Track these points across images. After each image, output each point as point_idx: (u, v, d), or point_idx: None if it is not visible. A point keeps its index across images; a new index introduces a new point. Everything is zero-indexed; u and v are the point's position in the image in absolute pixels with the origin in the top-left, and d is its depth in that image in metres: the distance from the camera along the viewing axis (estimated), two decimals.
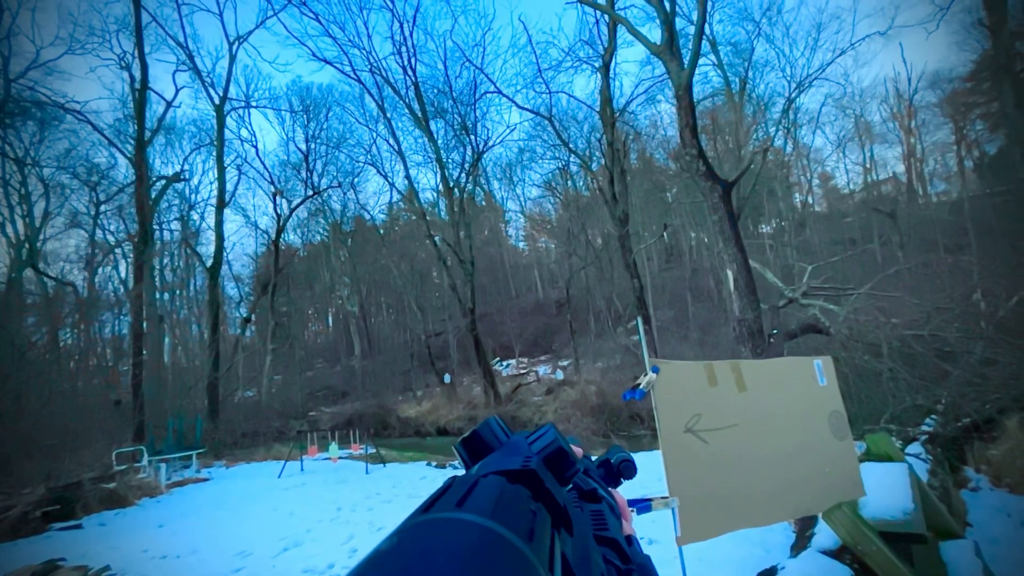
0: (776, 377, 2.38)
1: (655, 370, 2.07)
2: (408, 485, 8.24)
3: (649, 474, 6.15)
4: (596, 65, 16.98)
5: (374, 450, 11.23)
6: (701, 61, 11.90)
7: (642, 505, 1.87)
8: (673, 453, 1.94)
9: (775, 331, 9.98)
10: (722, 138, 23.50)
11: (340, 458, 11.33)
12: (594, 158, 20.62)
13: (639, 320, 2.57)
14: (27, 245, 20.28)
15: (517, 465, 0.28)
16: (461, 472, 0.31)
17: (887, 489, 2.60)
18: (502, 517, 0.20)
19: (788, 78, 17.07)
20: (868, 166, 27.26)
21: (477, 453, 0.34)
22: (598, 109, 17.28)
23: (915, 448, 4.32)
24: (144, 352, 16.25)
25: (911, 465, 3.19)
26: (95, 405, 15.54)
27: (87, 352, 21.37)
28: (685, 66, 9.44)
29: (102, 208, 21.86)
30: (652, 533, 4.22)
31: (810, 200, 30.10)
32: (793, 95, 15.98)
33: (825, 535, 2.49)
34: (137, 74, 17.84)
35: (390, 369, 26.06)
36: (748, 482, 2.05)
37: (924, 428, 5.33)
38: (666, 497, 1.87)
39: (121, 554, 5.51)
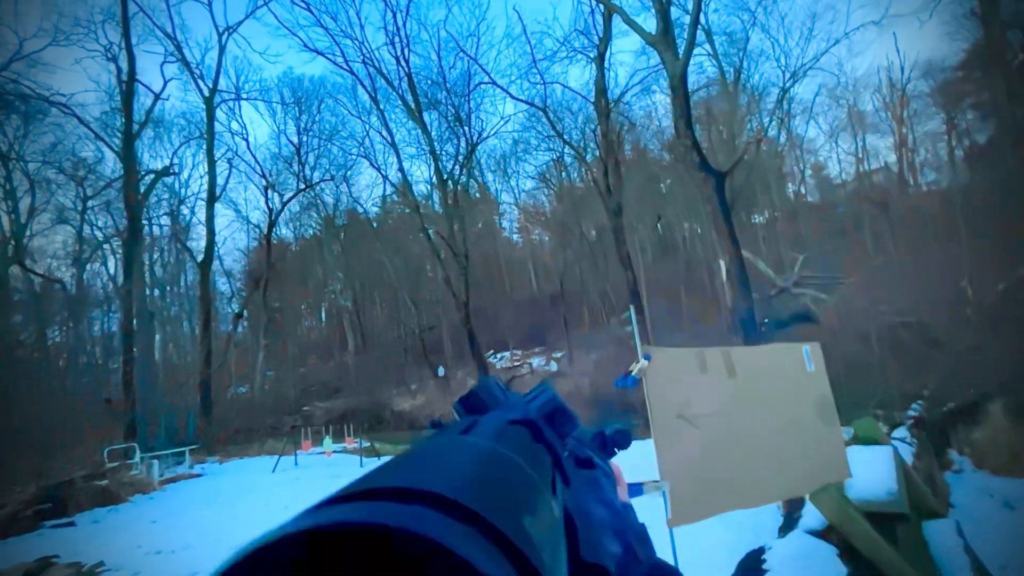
0: (765, 363, 2.41)
1: (647, 357, 2.08)
2: None
3: (641, 461, 6.21)
4: (591, 55, 16.89)
5: (368, 444, 11.25)
6: (696, 51, 11.87)
7: (633, 488, 1.89)
8: (664, 438, 1.96)
9: (767, 320, 10.08)
10: (716, 129, 23.51)
11: (334, 452, 11.35)
12: (589, 149, 20.58)
13: (631, 308, 2.58)
14: (12, 241, 19.95)
15: (518, 417, 0.29)
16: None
17: (873, 471, 2.64)
18: (506, 444, 0.21)
19: (782, 68, 17.09)
20: (860, 156, 27.41)
21: (475, 412, 0.34)
22: (593, 100, 17.22)
23: (901, 432, 4.40)
24: (135, 349, 16.10)
25: (896, 448, 3.25)
26: (86, 403, 15.42)
27: (76, 350, 21.15)
28: (680, 56, 9.42)
29: (89, 203, 21.49)
30: (642, 517, 4.27)
31: (803, 190, 30.28)
32: (787, 85, 16.02)
33: (812, 516, 2.54)
34: (124, 66, 17.52)
35: (384, 364, 26.03)
36: (738, 465, 2.08)
37: (910, 413, 5.42)
38: (657, 481, 1.90)
39: (114, 550, 5.50)
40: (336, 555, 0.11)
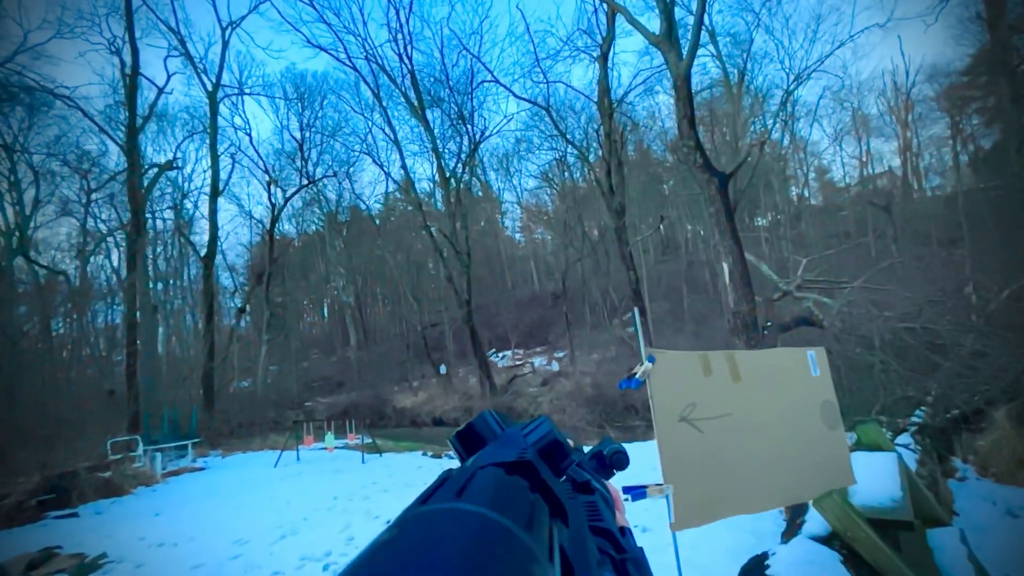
0: (770, 367, 2.41)
1: (651, 359, 2.08)
2: (404, 474, 8.29)
3: (643, 463, 6.22)
4: (594, 55, 16.85)
5: (370, 440, 11.28)
6: (700, 52, 11.84)
7: (637, 492, 1.89)
8: (668, 441, 1.96)
9: (769, 323, 10.06)
10: (719, 130, 23.46)
11: (336, 448, 11.37)
12: (591, 149, 20.54)
13: (635, 310, 2.58)
14: (17, 233, 20.03)
15: (513, 457, 0.28)
16: (456, 464, 0.31)
17: (876, 478, 2.64)
18: (501, 507, 0.20)
19: (787, 70, 17.02)
20: (864, 160, 27.32)
21: (472, 446, 0.34)
22: (596, 100, 17.18)
23: (904, 439, 4.40)
24: (138, 342, 16.15)
25: (900, 455, 3.25)
26: (89, 395, 15.50)
27: (80, 342, 21.23)
28: (684, 57, 9.39)
29: (93, 196, 21.57)
30: (646, 521, 4.28)
31: (806, 193, 30.20)
32: (791, 87, 15.95)
33: (815, 522, 2.54)
34: (128, 59, 17.52)
35: (386, 360, 26.10)
36: (741, 470, 2.08)
37: (914, 419, 5.41)
38: (661, 484, 1.90)
39: (117, 542, 5.53)
40: None
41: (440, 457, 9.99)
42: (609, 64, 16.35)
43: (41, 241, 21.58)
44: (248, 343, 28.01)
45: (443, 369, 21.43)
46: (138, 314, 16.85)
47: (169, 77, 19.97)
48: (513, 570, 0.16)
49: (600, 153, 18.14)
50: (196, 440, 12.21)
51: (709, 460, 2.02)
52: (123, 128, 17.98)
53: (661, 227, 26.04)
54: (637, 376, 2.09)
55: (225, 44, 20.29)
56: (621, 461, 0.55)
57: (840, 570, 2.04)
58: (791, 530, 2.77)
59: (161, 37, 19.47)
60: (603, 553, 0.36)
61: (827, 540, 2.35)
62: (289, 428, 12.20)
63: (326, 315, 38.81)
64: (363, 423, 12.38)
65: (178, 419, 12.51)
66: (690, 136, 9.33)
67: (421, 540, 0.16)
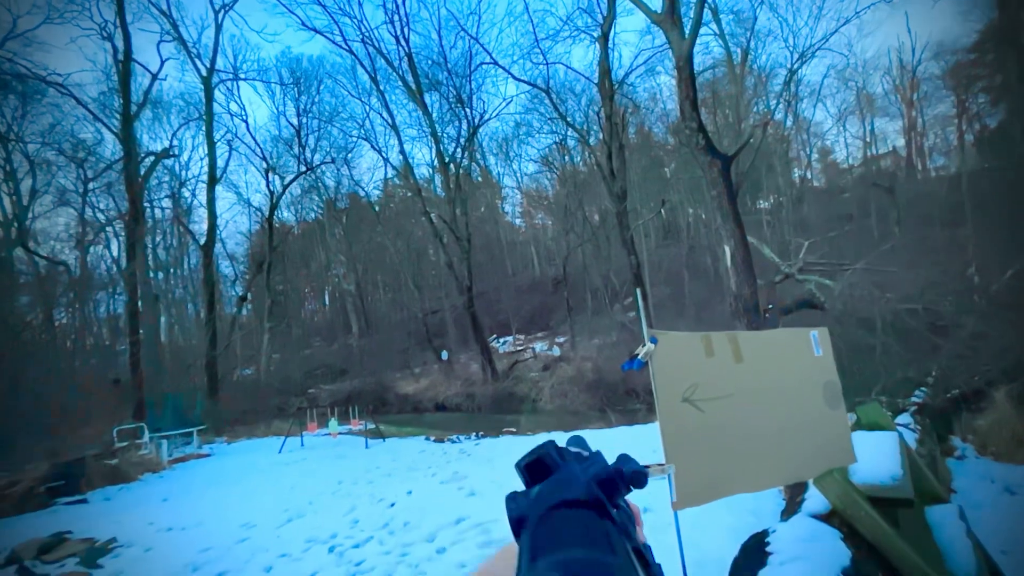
0: (773, 348, 2.40)
1: (653, 340, 2.07)
2: (407, 459, 8.39)
3: (644, 446, 6.27)
4: (595, 35, 16.53)
5: (373, 426, 11.38)
6: (702, 30, 11.58)
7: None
8: (670, 421, 1.96)
9: (771, 306, 10.04)
10: (722, 111, 23.12)
11: (340, 434, 11.49)
12: (592, 132, 20.30)
13: (637, 292, 2.57)
14: (15, 224, 19.96)
15: (582, 495, 0.33)
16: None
17: (877, 456, 2.66)
18: (603, 547, 0.25)
19: (790, 48, 16.67)
20: (868, 140, 27.01)
21: (537, 477, 0.38)
22: (596, 81, 16.91)
23: (904, 419, 4.42)
24: (140, 331, 16.22)
25: (901, 434, 3.26)
26: (94, 384, 15.59)
27: (83, 331, 21.32)
28: (686, 35, 9.20)
29: (90, 185, 21.44)
30: (648, 501, 4.33)
31: (809, 175, 29.91)
32: (795, 66, 15.64)
33: (815, 500, 2.56)
34: (120, 45, 17.24)
35: (388, 347, 26.20)
36: (743, 449, 2.09)
37: (914, 399, 5.44)
38: (662, 464, 1.90)
39: (126, 527, 5.62)
40: None
41: (442, 442, 10.09)
42: (610, 44, 16.05)
43: (40, 231, 21.51)
44: (250, 331, 28.13)
45: (445, 355, 21.53)
46: (140, 303, 16.88)
47: (163, 63, 19.68)
48: None
49: (601, 136, 17.93)
50: (201, 427, 12.34)
51: (711, 440, 2.02)
52: (118, 116, 17.78)
53: (662, 211, 25.89)
54: (639, 357, 2.09)
55: (218, 27, 19.96)
56: (639, 480, 0.56)
57: (840, 547, 2.05)
58: (791, 508, 2.80)
59: (153, 21, 19.19)
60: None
61: (827, 518, 2.37)
62: (293, 415, 12.31)
63: (327, 303, 38.88)
64: (366, 409, 12.49)
65: (182, 407, 12.63)
66: (692, 118, 9.19)
67: None
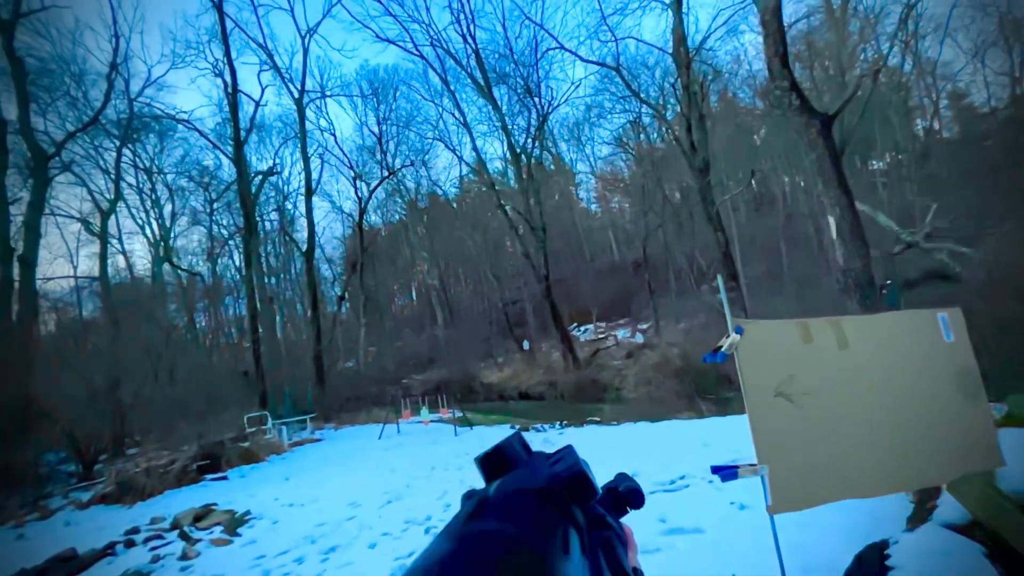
0: (887, 333, 2.09)
1: (738, 330, 1.91)
2: None
3: (740, 440, 5.85)
4: (666, 1, 15.46)
5: (461, 414, 11.91)
6: None
7: (727, 472, 1.77)
8: (761, 417, 1.80)
9: (889, 281, 8.80)
10: (820, 64, 20.52)
11: (431, 421, 12.18)
12: (668, 106, 19.14)
13: (720, 277, 2.38)
14: (162, 243, 23.68)
15: (542, 484, 0.30)
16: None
17: None
18: (540, 528, 0.22)
19: None
20: (1018, 75, 22.33)
21: (498, 470, 0.34)
22: (671, 51, 15.85)
23: None
24: (260, 330, 18.44)
25: None
26: (227, 376, 18.10)
27: (217, 331, 24.81)
28: None
29: (215, 205, 24.76)
30: (743, 497, 4.05)
31: (936, 125, 25.55)
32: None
33: (950, 508, 2.20)
34: (228, 79, 19.52)
35: (471, 337, 27.16)
36: (852, 449, 1.85)
37: None
38: (754, 464, 1.76)
39: (258, 501, 6.47)
40: None
41: (527, 431, 10.27)
42: (684, 9, 14.92)
43: (180, 248, 25.38)
44: (349, 326, 30.70)
45: (526, 344, 21.83)
46: (258, 305, 19.18)
47: (263, 90, 22.06)
48: None
49: (679, 109, 16.82)
50: (312, 415, 13.79)
51: (811, 438, 1.82)
52: (231, 142, 20.22)
53: (753, 182, 23.69)
54: (723, 349, 1.94)
55: (305, 51, 21.76)
56: (636, 500, 0.52)
57: (983, 564, 1.75)
58: (919, 516, 2.44)
59: (253, 54, 21.45)
60: None
61: (966, 529, 2.03)
62: (388, 403, 13.28)
63: (414, 297, 41.20)
64: (454, 398, 13.09)
65: (297, 396, 14.18)
66: (783, 76, 8.26)
67: (480, 560, 0.18)
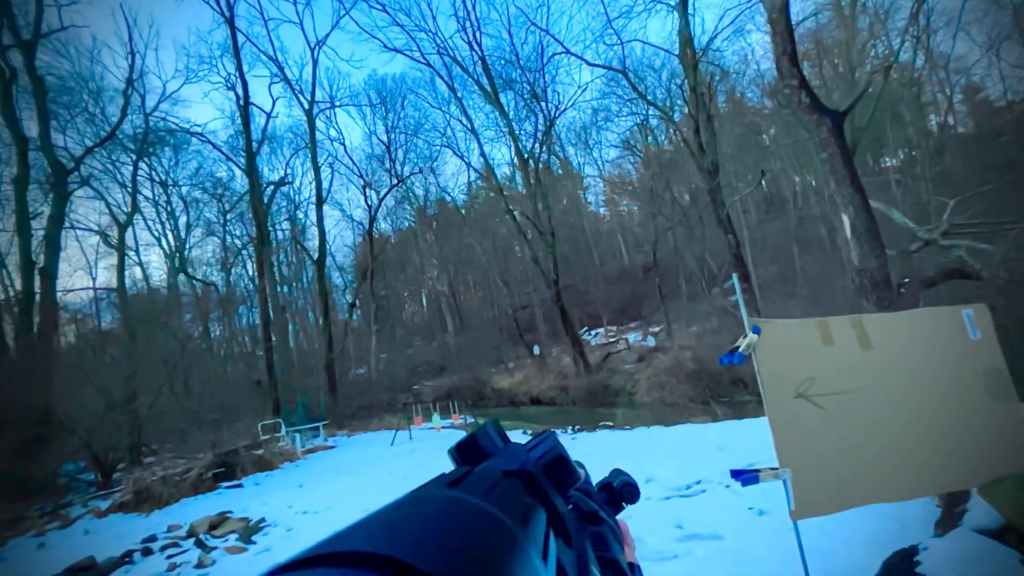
0: (911, 332, 2.03)
1: (756, 331, 1.87)
2: None
3: (756, 442, 5.75)
4: (672, 3, 15.46)
5: (473, 420, 11.88)
6: None
7: (748, 476, 1.73)
8: (782, 420, 1.75)
9: (907, 280, 8.61)
10: (829, 62, 20.33)
11: (443, 427, 12.16)
12: (676, 107, 19.07)
13: (735, 277, 2.34)
14: (178, 254, 24.09)
15: (515, 467, 0.28)
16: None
17: None
18: (496, 500, 0.20)
19: None
20: None
21: (472, 459, 0.33)
22: (677, 52, 15.82)
23: None
24: (273, 338, 18.62)
25: None
26: (241, 384, 18.27)
27: (230, 340, 25.10)
28: None
29: (228, 216, 25.16)
30: (761, 502, 3.97)
31: (951, 121, 25.12)
32: None
33: (981, 512, 2.13)
34: (240, 92, 19.89)
35: (482, 343, 27.16)
36: (877, 452, 1.80)
37: None
38: (776, 468, 1.71)
39: (272, 509, 6.49)
40: None
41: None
42: (690, 10, 14.90)
43: (195, 259, 25.79)
44: (360, 334, 30.90)
45: (537, 350, 21.76)
46: (271, 314, 19.39)
47: (274, 102, 22.41)
48: (501, 556, 0.16)
49: (686, 110, 16.75)
50: (325, 422, 13.86)
51: (834, 441, 1.77)
52: (243, 154, 20.56)
53: (763, 182, 23.45)
54: (740, 350, 1.90)
55: (315, 63, 22.12)
56: (631, 494, 0.54)
57: (1019, 571, 1.68)
58: (949, 521, 2.36)
59: (263, 67, 21.86)
60: None
61: (999, 534, 1.96)
62: (400, 410, 13.31)
63: (424, 304, 41.35)
64: (465, 404, 13.08)
65: (309, 404, 14.26)
66: (792, 74, 8.17)
67: (404, 515, 0.17)
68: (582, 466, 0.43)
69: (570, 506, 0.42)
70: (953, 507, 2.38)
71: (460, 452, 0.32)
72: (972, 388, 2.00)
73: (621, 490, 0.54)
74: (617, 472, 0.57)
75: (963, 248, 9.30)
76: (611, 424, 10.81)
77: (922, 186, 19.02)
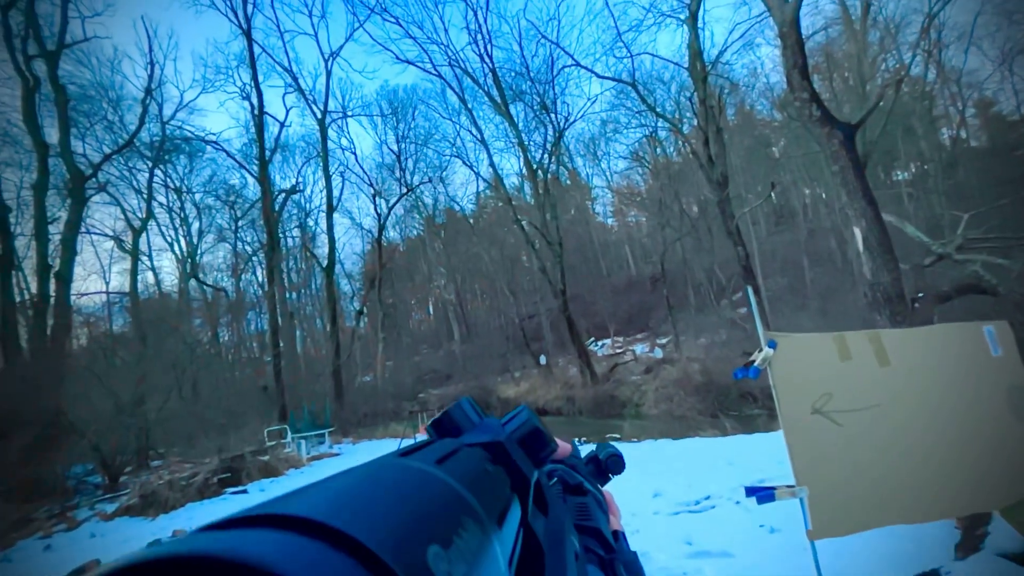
0: (931, 348, 1.99)
1: (772, 345, 1.85)
2: None
3: (766, 459, 5.66)
4: (682, 17, 15.58)
5: None
6: None
7: (763, 494, 1.69)
8: (799, 437, 1.72)
9: (920, 295, 8.50)
10: (840, 75, 20.34)
11: None
12: (685, 119, 19.12)
13: (749, 291, 2.32)
14: (189, 260, 24.41)
15: (486, 439, 0.28)
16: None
17: None
18: (447, 469, 0.20)
19: None
20: None
21: (448, 435, 0.33)
22: (686, 65, 15.90)
23: None
24: (281, 344, 18.72)
25: None
26: (248, 390, 18.35)
27: (239, 346, 25.29)
28: None
29: (240, 223, 25.49)
30: (773, 520, 3.89)
31: (963, 134, 24.92)
32: (935, 9, 13.15)
33: (1004, 535, 2.07)
34: (255, 102, 20.26)
35: (488, 352, 27.09)
36: (897, 472, 1.75)
37: None
38: (792, 486, 1.68)
39: None
40: None
41: None
42: (699, 24, 15.00)
43: (206, 264, 26.11)
44: (367, 341, 30.97)
45: (543, 359, 21.66)
46: (279, 320, 19.53)
47: (287, 112, 22.88)
48: (441, 519, 0.16)
49: (695, 122, 16.79)
50: (331, 429, 13.85)
51: (852, 459, 1.73)
52: (256, 162, 20.89)
53: (772, 195, 23.37)
54: (756, 364, 1.87)
55: (328, 74, 22.50)
56: (617, 465, 0.56)
57: None
58: (969, 544, 2.30)
59: (279, 78, 22.27)
60: (590, 552, 0.37)
61: (1023, 559, 1.90)
62: (406, 418, 13.26)
63: (431, 312, 41.41)
64: None
65: (315, 410, 14.28)
66: (803, 87, 8.18)
67: (358, 482, 0.17)
68: (568, 441, 0.44)
69: (554, 480, 0.44)
70: (973, 529, 2.32)
71: (435, 428, 0.32)
72: (994, 406, 1.96)
73: (607, 461, 0.56)
74: (603, 445, 0.59)
75: (979, 263, 9.16)
76: (618, 436, 10.69)
77: (935, 200, 18.85)
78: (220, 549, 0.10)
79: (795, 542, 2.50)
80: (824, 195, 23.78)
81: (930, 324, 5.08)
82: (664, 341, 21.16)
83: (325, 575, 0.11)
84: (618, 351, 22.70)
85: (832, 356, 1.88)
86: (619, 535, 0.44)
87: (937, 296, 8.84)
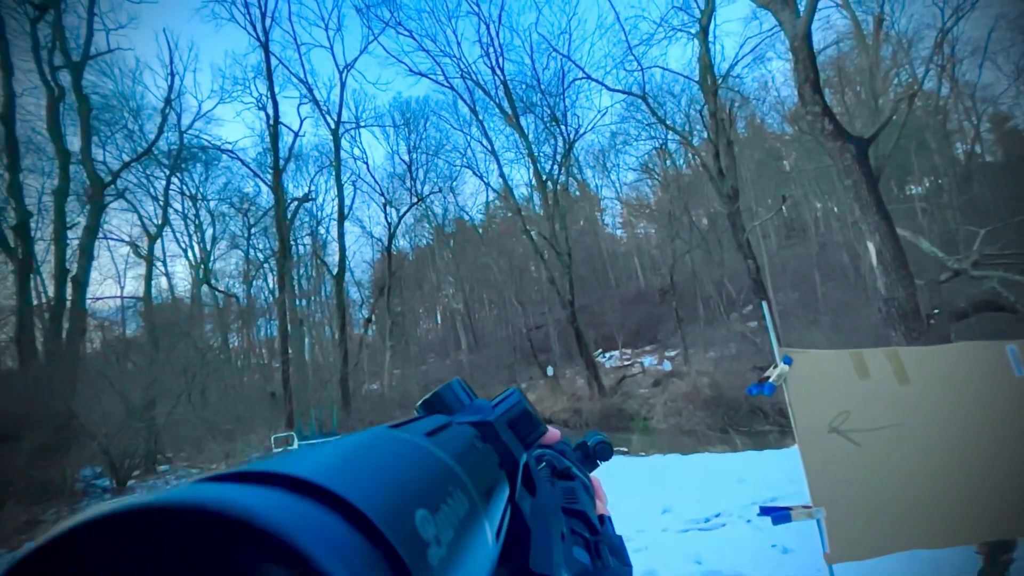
0: (951, 367, 1.94)
1: (787, 361, 1.82)
2: None
3: (778, 477, 5.55)
4: (692, 31, 15.69)
5: None
6: (821, 2, 10.32)
7: (779, 514, 1.65)
8: (815, 456, 1.68)
9: (936, 311, 8.34)
10: (852, 89, 20.29)
11: None
12: (695, 132, 19.15)
13: (764, 304, 2.29)
14: (202, 266, 24.75)
15: (476, 419, 0.29)
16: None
17: None
18: (438, 441, 0.20)
19: (940, 3, 14.07)
20: None
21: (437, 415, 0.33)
22: (697, 79, 15.97)
23: None
24: (290, 351, 18.83)
25: None
26: (256, 396, 18.45)
27: (248, 352, 25.48)
28: (801, 12, 8.26)
29: (252, 230, 25.85)
30: (785, 540, 3.80)
31: (978, 149, 24.66)
32: (948, 24, 13.12)
33: None
34: (270, 112, 20.65)
35: (495, 362, 27.03)
36: (917, 494, 1.71)
37: None
38: (808, 507, 1.64)
39: None
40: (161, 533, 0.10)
41: None
42: (710, 38, 15.09)
43: (218, 271, 26.46)
44: (375, 350, 31.05)
45: (550, 371, 21.54)
46: (289, 327, 19.66)
47: (302, 122, 23.17)
48: (425, 485, 0.16)
49: (706, 135, 16.80)
50: (337, 436, 13.85)
51: (871, 480, 1.68)
52: (270, 171, 21.22)
53: (783, 208, 23.22)
54: (771, 380, 1.84)
55: (343, 85, 22.89)
56: (604, 451, 0.58)
57: None
58: (992, 571, 2.22)
59: (294, 89, 22.69)
60: (576, 533, 0.37)
61: None
62: None
63: (439, 321, 41.47)
64: None
65: (322, 417, 14.30)
66: (815, 101, 8.15)
67: (334, 448, 0.17)
68: (557, 428, 0.45)
69: (543, 464, 0.45)
70: (997, 556, 2.24)
71: (426, 408, 0.32)
72: (1018, 428, 1.90)
73: (595, 448, 0.57)
74: (592, 433, 0.61)
75: (996, 279, 8.99)
76: (625, 450, 10.56)
77: (949, 215, 18.62)
78: (213, 501, 0.10)
79: (809, 563, 2.45)
80: (836, 209, 23.59)
81: (947, 341, 4.97)
82: (673, 354, 20.96)
83: (314, 531, 0.11)
84: (626, 363, 22.52)
85: (849, 373, 1.84)
86: (605, 519, 0.45)
87: (954, 313, 8.67)
